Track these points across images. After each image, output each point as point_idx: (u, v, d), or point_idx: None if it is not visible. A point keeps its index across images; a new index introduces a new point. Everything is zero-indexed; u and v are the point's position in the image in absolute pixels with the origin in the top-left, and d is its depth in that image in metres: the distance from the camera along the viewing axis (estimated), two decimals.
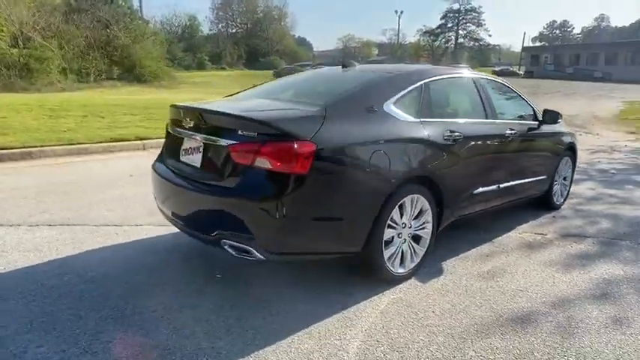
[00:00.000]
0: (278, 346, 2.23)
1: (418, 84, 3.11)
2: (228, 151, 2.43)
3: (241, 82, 38.20)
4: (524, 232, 4.06)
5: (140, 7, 37.74)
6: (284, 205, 2.32)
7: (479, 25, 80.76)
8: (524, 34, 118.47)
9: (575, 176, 5.38)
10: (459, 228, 3.67)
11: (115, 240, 3.51)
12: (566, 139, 4.72)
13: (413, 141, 2.86)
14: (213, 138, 2.55)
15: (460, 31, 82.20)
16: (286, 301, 2.65)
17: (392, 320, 2.50)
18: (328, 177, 2.44)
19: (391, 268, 2.85)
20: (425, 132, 2.95)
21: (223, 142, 2.47)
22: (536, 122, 4.25)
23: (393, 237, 2.84)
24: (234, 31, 69.29)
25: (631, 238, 3.95)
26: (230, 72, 50.38)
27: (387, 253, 2.80)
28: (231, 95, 3.59)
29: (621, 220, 4.43)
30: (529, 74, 48.00)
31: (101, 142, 7.24)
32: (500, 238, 3.88)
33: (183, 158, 2.82)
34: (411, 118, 2.94)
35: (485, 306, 2.69)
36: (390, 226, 2.77)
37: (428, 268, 3.15)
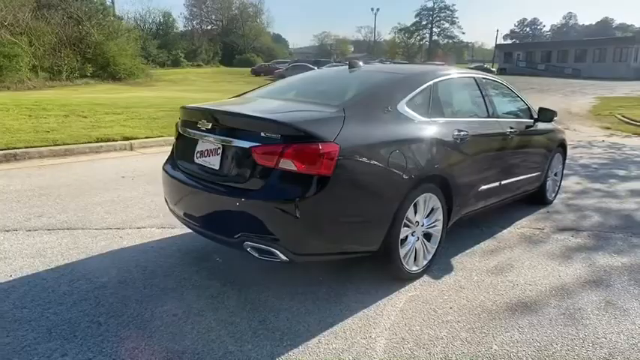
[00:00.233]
0: (306, 347, 2.24)
1: (428, 84, 3.16)
2: (250, 153, 2.42)
3: (218, 79, 37.92)
4: (522, 227, 4.18)
5: (112, 3, 36.78)
6: (308, 207, 2.32)
7: (452, 22, 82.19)
8: (497, 31, 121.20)
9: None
10: (462, 225, 3.74)
11: (120, 243, 3.44)
12: (558, 136, 4.87)
13: (426, 140, 2.90)
14: (234, 140, 2.53)
15: (434, 29, 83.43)
16: (305, 302, 2.66)
17: (413, 318, 2.54)
18: (350, 177, 2.46)
19: (406, 266, 2.90)
20: (436, 131, 3.00)
21: (245, 143, 2.45)
22: (532, 120, 4.37)
23: (407, 235, 2.89)
24: (209, 27, 68.56)
25: (623, 230, 4.12)
26: (207, 69, 49.86)
27: (402, 251, 2.84)
28: (239, 95, 3.56)
29: (610, 214, 4.61)
30: (502, 71, 48.96)
31: (87, 143, 7.05)
32: (500, 233, 3.98)
33: (198, 160, 2.78)
34: (423, 118, 2.98)
35: (499, 301, 2.77)
36: (405, 225, 2.81)
37: (438, 265, 3.21)
